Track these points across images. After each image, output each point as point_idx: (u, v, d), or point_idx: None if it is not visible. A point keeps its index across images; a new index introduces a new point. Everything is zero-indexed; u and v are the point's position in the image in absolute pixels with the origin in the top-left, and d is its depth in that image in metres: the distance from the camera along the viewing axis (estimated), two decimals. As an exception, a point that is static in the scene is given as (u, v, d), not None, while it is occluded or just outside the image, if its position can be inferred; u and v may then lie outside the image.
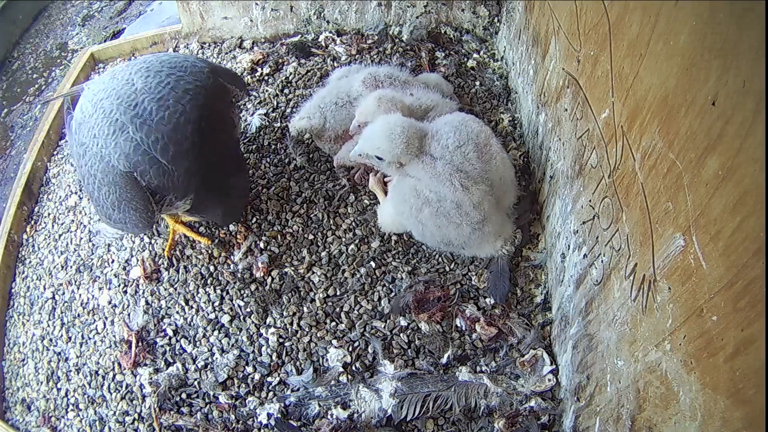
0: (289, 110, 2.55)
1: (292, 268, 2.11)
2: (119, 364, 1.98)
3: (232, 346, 1.97)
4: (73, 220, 2.40)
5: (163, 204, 1.78)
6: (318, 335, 1.96)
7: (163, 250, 2.17)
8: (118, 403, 1.92)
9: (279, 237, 2.17)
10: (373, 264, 2.10)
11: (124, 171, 1.70)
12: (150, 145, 1.69)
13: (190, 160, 1.73)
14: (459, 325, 1.97)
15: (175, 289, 2.10)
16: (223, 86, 1.95)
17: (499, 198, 1.98)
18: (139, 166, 1.69)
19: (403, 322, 1.97)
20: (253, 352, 1.95)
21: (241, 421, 1.84)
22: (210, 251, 2.16)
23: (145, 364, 1.96)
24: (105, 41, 3.40)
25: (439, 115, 2.13)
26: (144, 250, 2.20)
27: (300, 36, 2.89)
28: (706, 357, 1.03)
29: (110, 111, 1.74)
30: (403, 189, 1.95)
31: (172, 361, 1.97)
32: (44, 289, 2.26)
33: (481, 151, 1.92)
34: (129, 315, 2.08)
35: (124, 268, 2.18)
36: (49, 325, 2.17)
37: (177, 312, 2.05)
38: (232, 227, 2.19)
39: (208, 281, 2.10)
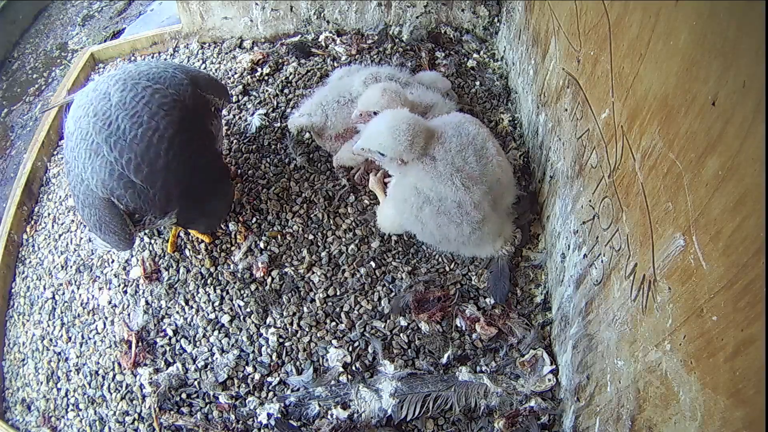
0: (289, 110, 2.55)
1: (292, 268, 2.11)
2: (119, 364, 1.98)
3: (232, 346, 1.97)
4: (73, 220, 2.40)
5: (143, 224, 1.80)
6: (318, 335, 1.96)
7: (164, 250, 2.18)
8: (118, 403, 1.92)
9: (279, 237, 2.17)
10: (373, 264, 2.10)
11: (102, 196, 1.72)
12: (123, 165, 1.68)
13: (165, 178, 1.71)
14: (459, 325, 1.97)
15: (175, 289, 2.10)
16: (202, 97, 1.91)
17: (497, 199, 1.98)
18: (115, 191, 1.70)
19: (403, 322, 1.98)
20: (253, 352, 1.95)
21: (241, 421, 1.84)
22: (210, 251, 2.16)
23: (145, 364, 1.96)
24: (105, 41, 3.40)
25: (439, 114, 2.13)
26: (144, 250, 2.20)
27: (300, 36, 2.89)
28: (706, 357, 1.03)
29: (86, 132, 1.74)
30: (403, 187, 1.94)
31: (172, 361, 1.97)
32: (44, 289, 2.26)
33: (478, 154, 1.91)
34: (129, 315, 2.08)
35: (124, 268, 2.18)
36: (49, 325, 2.17)
37: (177, 312, 2.05)
38: (232, 227, 2.19)
39: (208, 281, 2.10)
